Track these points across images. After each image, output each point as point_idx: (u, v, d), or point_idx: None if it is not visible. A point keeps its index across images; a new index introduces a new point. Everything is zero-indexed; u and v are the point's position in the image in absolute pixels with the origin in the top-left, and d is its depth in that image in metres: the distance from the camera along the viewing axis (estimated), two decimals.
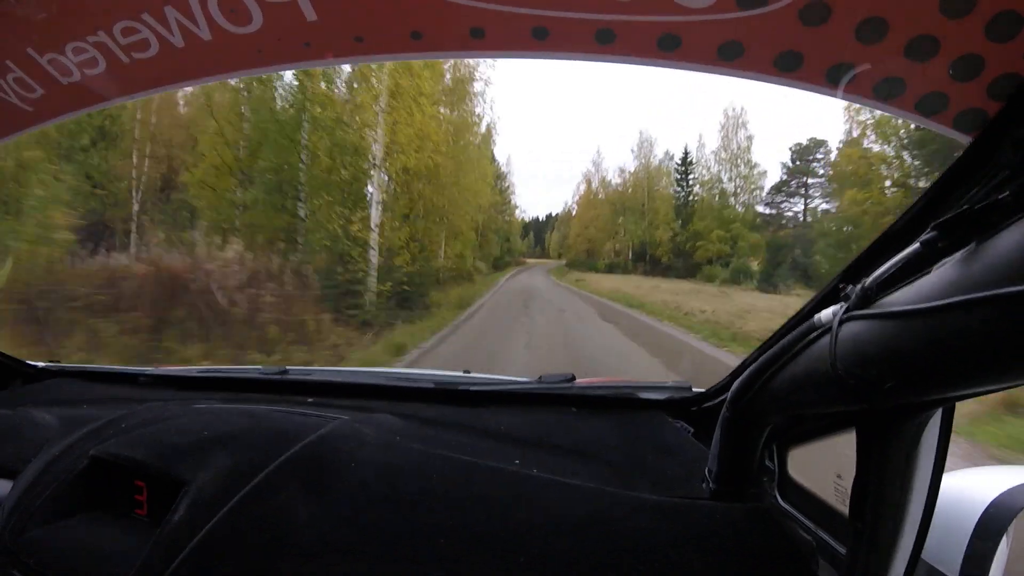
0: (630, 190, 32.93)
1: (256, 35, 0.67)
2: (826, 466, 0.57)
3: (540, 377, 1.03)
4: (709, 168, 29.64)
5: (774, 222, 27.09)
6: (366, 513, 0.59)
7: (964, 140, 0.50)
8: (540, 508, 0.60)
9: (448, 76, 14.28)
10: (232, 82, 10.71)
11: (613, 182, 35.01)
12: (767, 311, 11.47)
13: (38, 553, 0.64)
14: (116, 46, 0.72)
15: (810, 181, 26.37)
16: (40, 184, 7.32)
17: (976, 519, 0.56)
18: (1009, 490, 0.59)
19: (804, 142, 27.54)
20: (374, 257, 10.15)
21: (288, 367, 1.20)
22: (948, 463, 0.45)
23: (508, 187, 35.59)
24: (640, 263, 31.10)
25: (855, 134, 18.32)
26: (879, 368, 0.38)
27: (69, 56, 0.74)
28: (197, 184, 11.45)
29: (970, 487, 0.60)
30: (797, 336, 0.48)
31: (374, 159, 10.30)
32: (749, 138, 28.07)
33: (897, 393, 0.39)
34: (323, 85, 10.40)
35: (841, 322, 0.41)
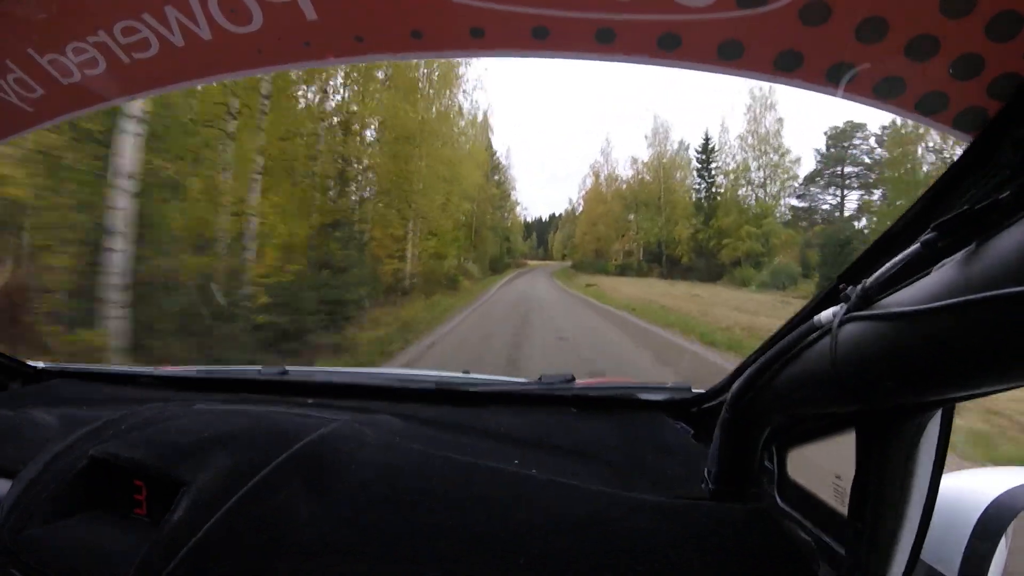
0: (644, 182, 29.56)
1: (256, 35, 0.67)
2: (826, 467, 0.57)
3: (540, 377, 1.03)
4: (733, 156, 26.18)
5: (805, 217, 24.06)
6: (366, 513, 0.59)
7: (964, 140, 0.50)
8: (540, 508, 0.60)
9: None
10: None
11: (624, 175, 31.74)
12: None
13: (37, 552, 0.64)
14: (116, 46, 0.72)
15: (847, 170, 23.40)
16: None
17: (975, 520, 0.56)
18: (1008, 491, 0.59)
19: (840, 125, 24.34)
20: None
21: (288, 367, 1.20)
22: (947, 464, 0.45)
23: (507, 180, 33.28)
24: (655, 264, 27.99)
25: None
26: (879, 369, 0.38)
27: (69, 56, 0.74)
28: None
29: (969, 488, 0.60)
30: (797, 337, 0.48)
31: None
32: (779, 120, 24.61)
33: (897, 394, 0.39)
34: None
35: (841, 323, 0.41)
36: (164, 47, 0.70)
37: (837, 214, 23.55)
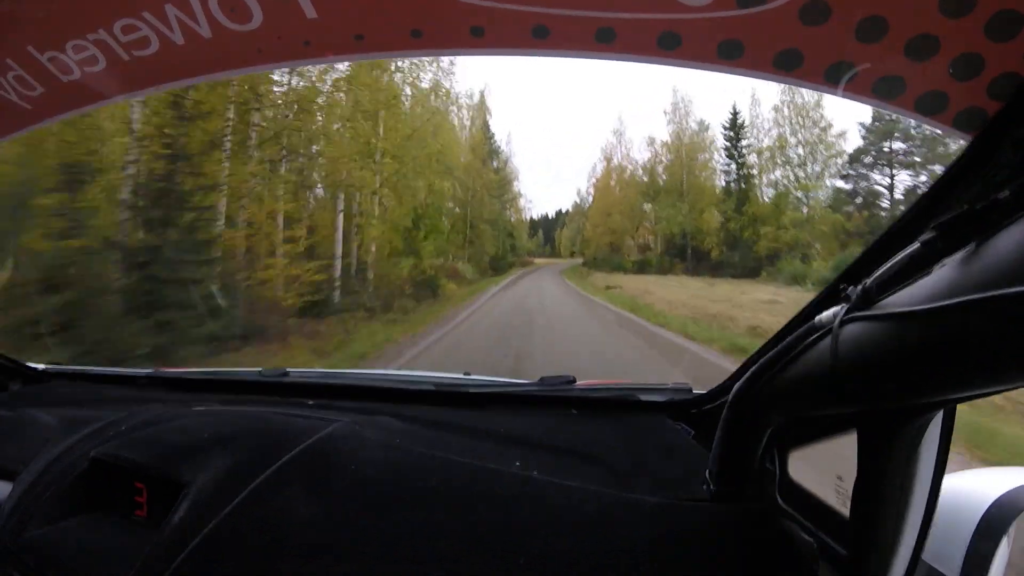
0: (664, 164, 24.74)
1: (256, 33, 0.67)
2: (827, 468, 0.57)
3: (541, 379, 1.03)
4: (767, 131, 21.67)
5: (850, 201, 18.97)
6: (367, 515, 0.59)
7: (964, 139, 0.50)
8: (541, 509, 0.59)
9: None
10: None
11: (640, 158, 26.87)
12: None
13: (38, 554, 0.63)
14: (116, 44, 0.72)
15: (895, 146, 18.56)
16: None
17: (977, 520, 0.56)
18: (1010, 491, 0.59)
19: None
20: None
21: (289, 369, 1.20)
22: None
23: (509, 169, 28.40)
24: (679, 259, 23.53)
25: None
26: (880, 369, 0.38)
27: (69, 54, 0.74)
28: None
29: (971, 488, 0.60)
30: (798, 338, 0.48)
31: None
32: None
33: (898, 394, 0.39)
34: None
35: (842, 323, 0.41)
36: (164, 45, 0.71)
37: (886, 201, 18.80)
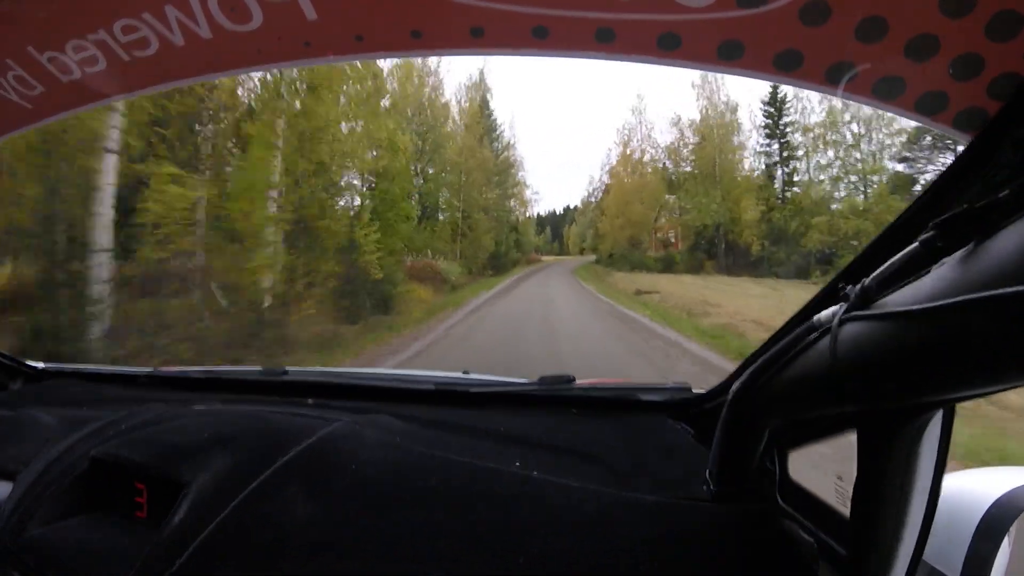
0: (691, 146, 20.82)
1: (256, 34, 0.67)
2: (827, 467, 0.57)
3: (540, 378, 1.03)
4: (812, 108, 18.05)
5: (909, 188, 14.57)
6: (366, 514, 0.59)
7: (964, 139, 0.50)
8: (540, 509, 0.59)
9: None
10: None
11: (663, 140, 23.35)
12: None
13: (38, 554, 0.63)
14: (116, 44, 0.72)
15: None
16: None
17: (977, 520, 0.56)
18: (1011, 491, 0.59)
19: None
20: None
21: (288, 368, 1.20)
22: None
23: (510, 151, 24.26)
24: (708, 255, 20.16)
25: None
26: (879, 369, 0.38)
27: (69, 54, 0.74)
28: None
29: (971, 488, 0.60)
30: (797, 337, 0.48)
31: None
32: None
33: (897, 394, 0.39)
34: None
35: (841, 323, 0.41)
36: (164, 45, 0.71)
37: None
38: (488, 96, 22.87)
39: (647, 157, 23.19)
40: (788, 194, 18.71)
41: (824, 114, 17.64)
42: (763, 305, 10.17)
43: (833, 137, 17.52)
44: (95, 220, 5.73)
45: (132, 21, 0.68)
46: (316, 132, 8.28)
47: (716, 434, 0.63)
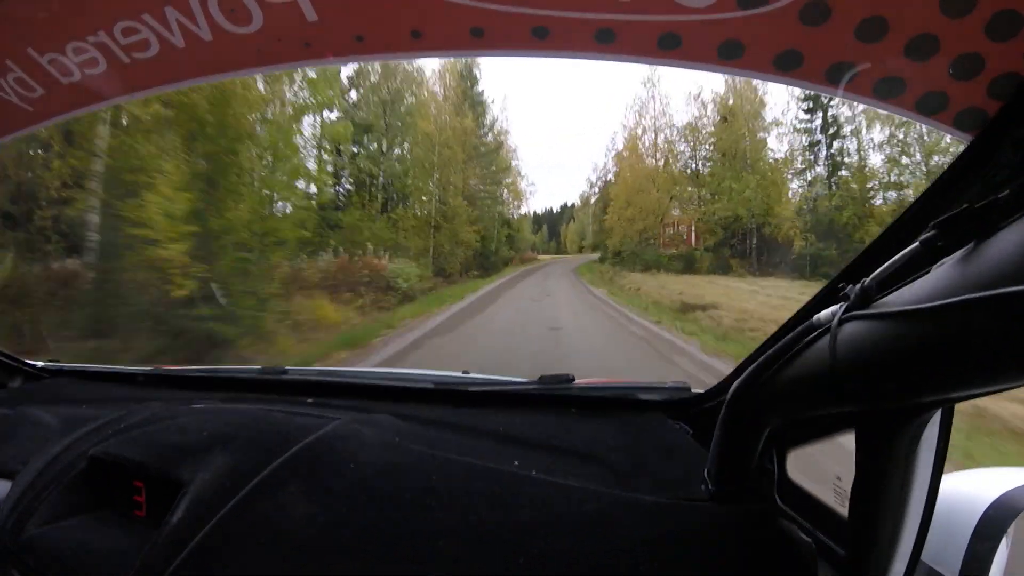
0: (716, 123, 17.51)
1: (256, 35, 0.67)
2: (825, 467, 0.57)
3: (540, 377, 1.03)
4: None
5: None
6: (365, 514, 0.59)
7: (964, 139, 0.50)
8: (540, 508, 0.59)
9: None
10: None
11: (679, 119, 19.20)
12: None
13: (37, 553, 0.63)
14: (116, 46, 0.72)
15: None
16: None
17: (976, 520, 0.56)
18: (1009, 491, 0.59)
19: None
20: None
21: (288, 367, 1.20)
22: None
23: (498, 132, 20.90)
24: (735, 253, 16.70)
25: None
26: (878, 368, 0.38)
27: (69, 56, 0.74)
28: None
29: (970, 488, 0.60)
30: (796, 336, 0.48)
31: None
32: None
33: (896, 393, 0.39)
34: None
35: (840, 322, 0.41)
36: (164, 47, 0.71)
37: None
38: (475, 70, 19.75)
39: (661, 138, 18.88)
40: (836, 179, 14.86)
41: None
42: None
43: None
44: None
45: (132, 23, 0.69)
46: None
47: (715, 434, 0.63)
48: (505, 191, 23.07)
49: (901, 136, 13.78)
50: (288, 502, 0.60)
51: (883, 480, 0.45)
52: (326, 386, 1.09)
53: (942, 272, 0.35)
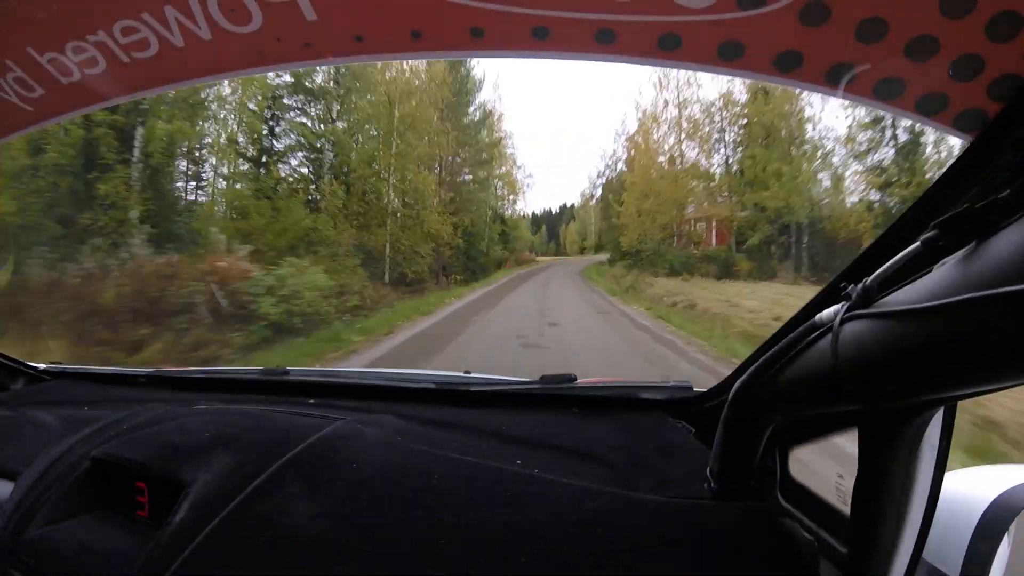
0: (754, 97, 14.16)
1: (256, 35, 0.67)
2: (827, 466, 0.57)
3: (541, 377, 1.03)
4: None
5: None
6: (367, 513, 0.59)
7: (964, 140, 0.50)
8: (541, 508, 0.60)
9: None
10: None
11: (706, 95, 16.07)
12: None
13: (39, 554, 0.63)
14: (116, 46, 0.72)
15: None
16: None
17: (977, 519, 0.56)
18: (1010, 490, 0.59)
19: None
20: None
21: (289, 368, 1.20)
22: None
23: (492, 113, 18.09)
24: (780, 254, 13.85)
25: None
26: (880, 368, 0.38)
27: (69, 55, 0.74)
28: None
29: (971, 487, 0.60)
30: (798, 336, 0.48)
31: None
32: None
33: (898, 392, 0.39)
34: None
35: (842, 321, 0.41)
36: (164, 47, 0.70)
37: None
38: None
39: (686, 115, 15.25)
40: (909, 164, 12.10)
41: None
42: None
43: None
44: None
45: (132, 22, 0.68)
46: None
47: (717, 433, 0.63)
48: (500, 184, 19.34)
49: None
50: (290, 502, 0.60)
51: (885, 478, 0.46)
52: (328, 387, 1.09)
53: (943, 272, 0.35)
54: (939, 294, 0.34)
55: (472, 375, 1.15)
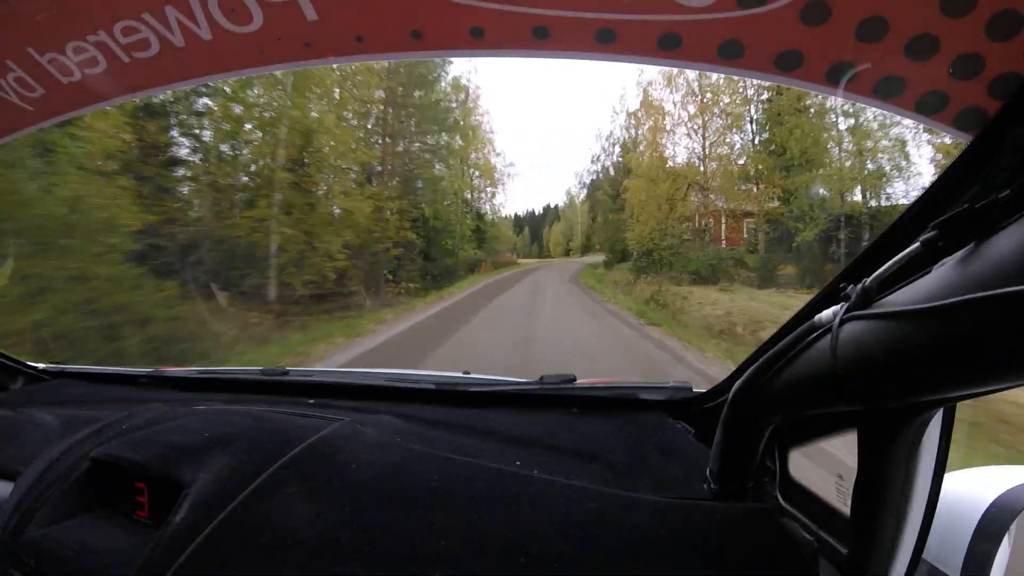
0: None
1: (256, 35, 0.67)
2: (827, 466, 0.57)
3: (541, 378, 1.03)
4: None
5: None
6: (367, 514, 0.59)
7: (964, 139, 0.50)
8: (541, 509, 0.59)
9: None
10: None
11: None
12: None
13: (39, 554, 0.63)
14: (116, 45, 0.72)
15: None
16: None
17: (977, 519, 0.56)
18: (1010, 490, 0.59)
19: None
20: None
21: (289, 368, 1.20)
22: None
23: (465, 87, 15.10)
24: (833, 255, 9.96)
25: None
26: (880, 368, 0.38)
27: (69, 55, 0.74)
28: None
29: (971, 487, 0.60)
30: (798, 336, 0.48)
31: None
32: None
33: (898, 393, 0.39)
34: None
35: (842, 322, 0.41)
36: (164, 47, 0.71)
37: None
38: None
39: (713, 80, 11.97)
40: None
41: None
42: None
43: None
44: None
45: (132, 23, 0.68)
46: None
47: (717, 433, 0.63)
48: (476, 174, 15.14)
49: None
50: (289, 503, 0.60)
51: (885, 479, 0.46)
52: (327, 387, 1.09)
53: (943, 272, 0.35)
54: (938, 295, 0.34)
55: (472, 375, 1.15)
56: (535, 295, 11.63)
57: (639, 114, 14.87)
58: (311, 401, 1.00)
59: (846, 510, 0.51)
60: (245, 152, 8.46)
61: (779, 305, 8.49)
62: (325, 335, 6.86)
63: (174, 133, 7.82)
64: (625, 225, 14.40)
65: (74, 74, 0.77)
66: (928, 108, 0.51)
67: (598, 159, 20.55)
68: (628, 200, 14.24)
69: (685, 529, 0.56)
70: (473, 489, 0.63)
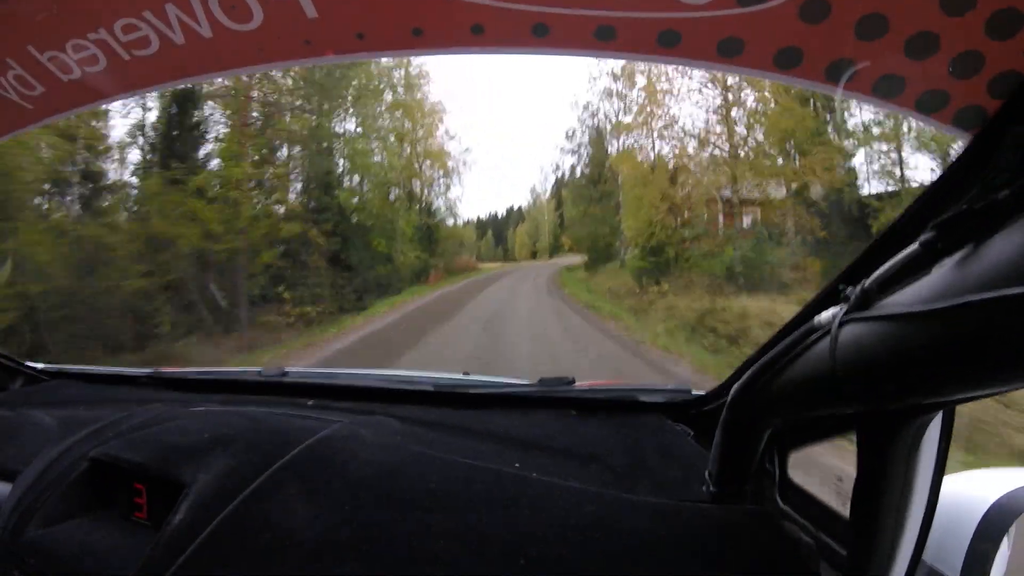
0: None
1: (257, 32, 0.67)
2: (827, 468, 0.57)
3: (540, 380, 1.03)
4: None
5: None
6: (366, 515, 0.59)
7: (964, 138, 0.50)
8: (540, 511, 0.59)
9: None
10: None
11: None
12: None
13: (38, 554, 0.63)
14: (117, 43, 0.72)
15: None
16: None
17: (977, 521, 0.56)
18: (1010, 492, 0.59)
19: None
20: None
21: (288, 369, 1.20)
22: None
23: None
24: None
25: None
26: (879, 370, 0.38)
27: (70, 53, 0.74)
28: None
29: (971, 489, 0.60)
30: (797, 338, 0.48)
31: None
32: None
33: (897, 395, 0.38)
34: None
35: (841, 324, 0.41)
36: (164, 45, 0.71)
37: None
38: None
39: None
40: None
41: None
42: None
43: None
44: None
45: (132, 20, 0.68)
46: None
47: (716, 435, 0.62)
48: (428, 162, 12.25)
49: None
50: (288, 504, 0.60)
51: (884, 481, 0.45)
52: (326, 388, 1.09)
53: (942, 273, 0.35)
54: (938, 296, 0.33)
55: (471, 377, 1.15)
56: (498, 321, 7.34)
57: (620, 88, 11.52)
58: (310, 402, 1.00)
59: (845, 512, 0.51)
60: None
61: None
62: None
63: None
64: (612, 216, 11.66)
65: (74, 72, 0.77)
66: (928, 106, 0.51)
67: (572, 135, 16.17)
68: (623, 181, 11.24)
69: (684, 532, 0.56)
70: (472, 491, 0.63)
